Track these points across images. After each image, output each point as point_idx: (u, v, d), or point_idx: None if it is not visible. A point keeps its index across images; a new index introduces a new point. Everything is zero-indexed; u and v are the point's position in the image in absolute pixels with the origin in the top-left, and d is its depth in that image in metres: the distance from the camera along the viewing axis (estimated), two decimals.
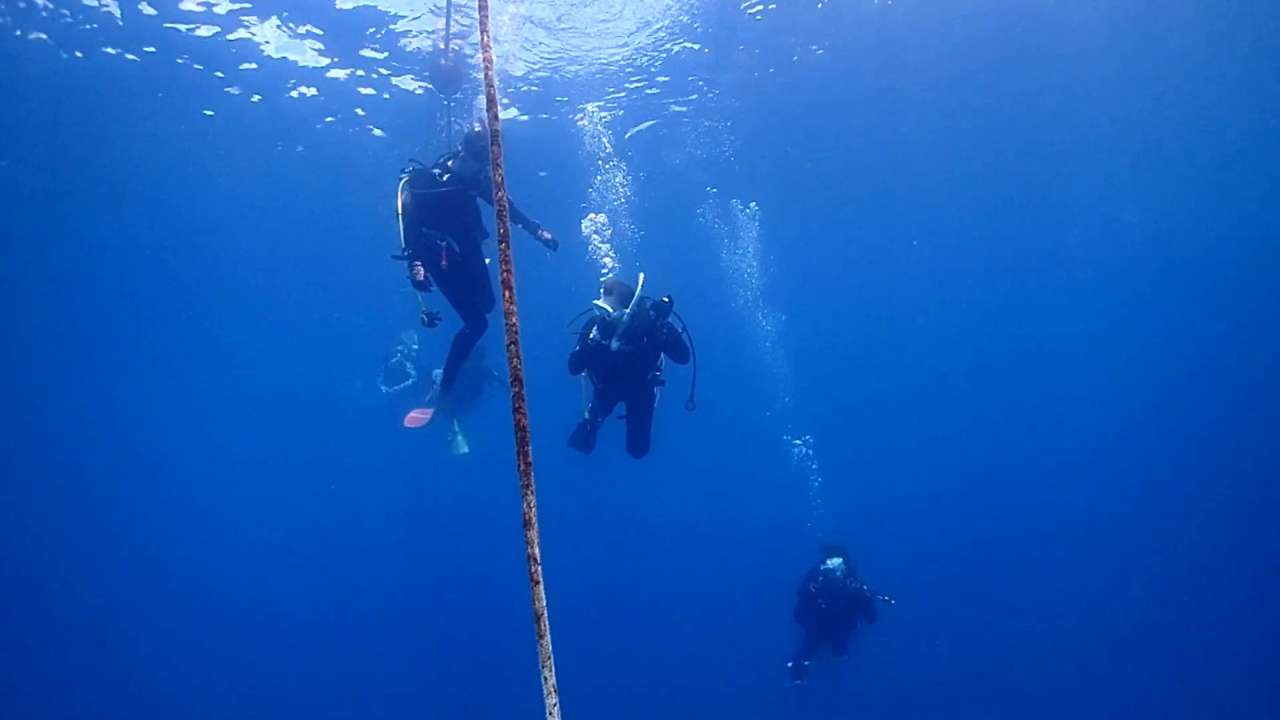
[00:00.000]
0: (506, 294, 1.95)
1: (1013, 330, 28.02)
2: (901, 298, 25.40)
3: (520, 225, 7.61)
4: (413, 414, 9.14)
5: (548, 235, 7.57)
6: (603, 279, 7.40)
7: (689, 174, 17.57)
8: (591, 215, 9.61)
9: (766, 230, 18.28)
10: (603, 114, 15.27)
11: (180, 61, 13.65)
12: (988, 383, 30.04)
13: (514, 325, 1.90)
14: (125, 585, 23.52)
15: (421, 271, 7.10)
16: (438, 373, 14.94)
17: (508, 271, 1.96)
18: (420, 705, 19.47)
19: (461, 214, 7.39)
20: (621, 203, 15.21)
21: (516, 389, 1.83)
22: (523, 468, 1.76)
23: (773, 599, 11.23)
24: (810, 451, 18.47)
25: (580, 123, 15.43)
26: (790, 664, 10.95)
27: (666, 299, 6.88)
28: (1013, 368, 29.44)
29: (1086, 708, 16.59)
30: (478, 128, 7.25)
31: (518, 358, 1.87)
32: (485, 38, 2.30)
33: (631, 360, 7.17)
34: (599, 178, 15.16)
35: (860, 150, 17.90)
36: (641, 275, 6.98)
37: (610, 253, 9.12)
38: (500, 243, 2.01)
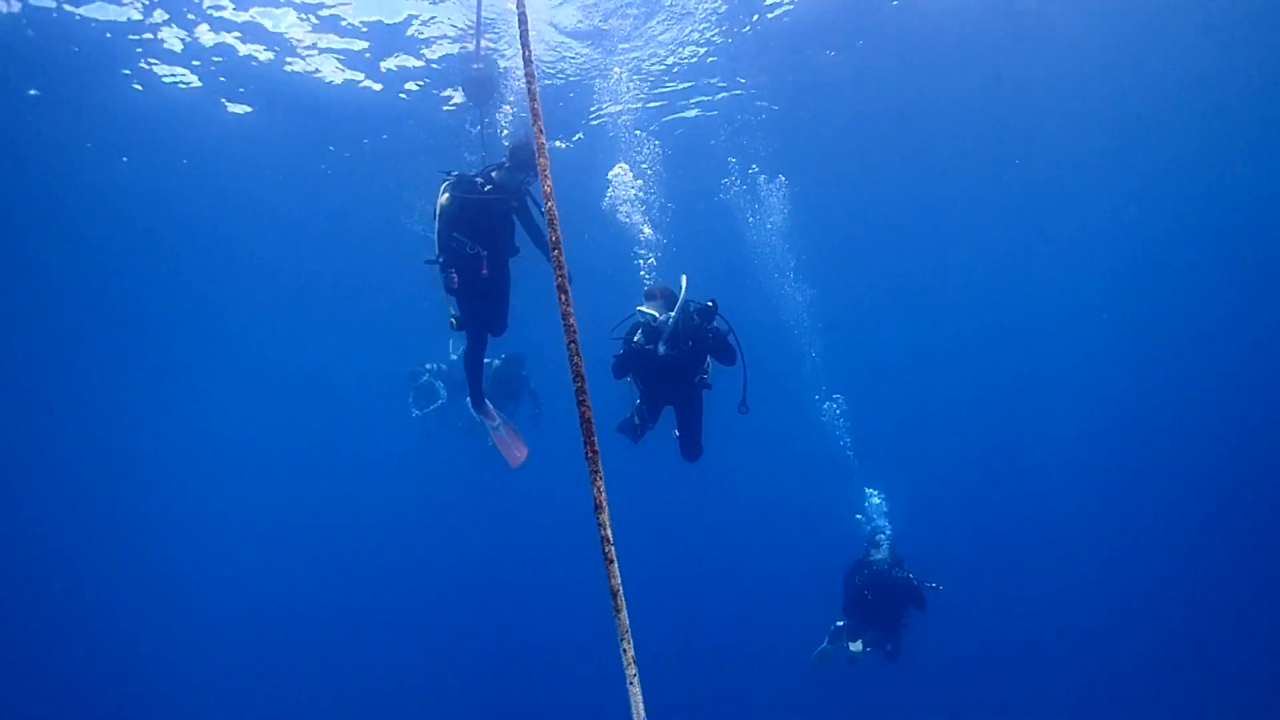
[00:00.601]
0: (563, 297, 2.06)
1: (1041, 312, 27.81)
2: (933, 275, 25.23)
3: (537, 243, 7.65)
4: (513, 453, 8.89)
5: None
6: (645, 286, 7.48)
7: (716, 148, 17.53)
8: (620, 165, 9.59)
9: (795, 204, 18.25)
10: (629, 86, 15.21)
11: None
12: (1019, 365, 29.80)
13: (572, 326, 2.02)
14: (127, 584, 23.76)
15: (455, 278, 7.18)
16: (468, 400, 15.09)
17: (562, 276, 2.07)
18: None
19: (497, 226, 7.42)
20: (648, 170, 15.35)
21: (579, 384, 1.95)
22: (590, 455, 1.88)
23: (819, 574, 11.25)
24: (840, 411, 18.51)
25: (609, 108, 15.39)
26: (847, 646, 10.91)
27: (711, 303, 6.92)
28: (1042, 354, 29.19)
29: (1100, 701, 16.25)
30: (525, 139, 7.29)
31: (578, 355, 1.98)
32: (526, 51, 2.43)
33: (677, 365, 7.20)
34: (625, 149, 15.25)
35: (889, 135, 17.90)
36: (684, 278, 7.01)
37: (637, 217, 9.09)
38: (554, 249, 2.13)
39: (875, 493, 15.84)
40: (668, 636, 19.24)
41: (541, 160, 2.27)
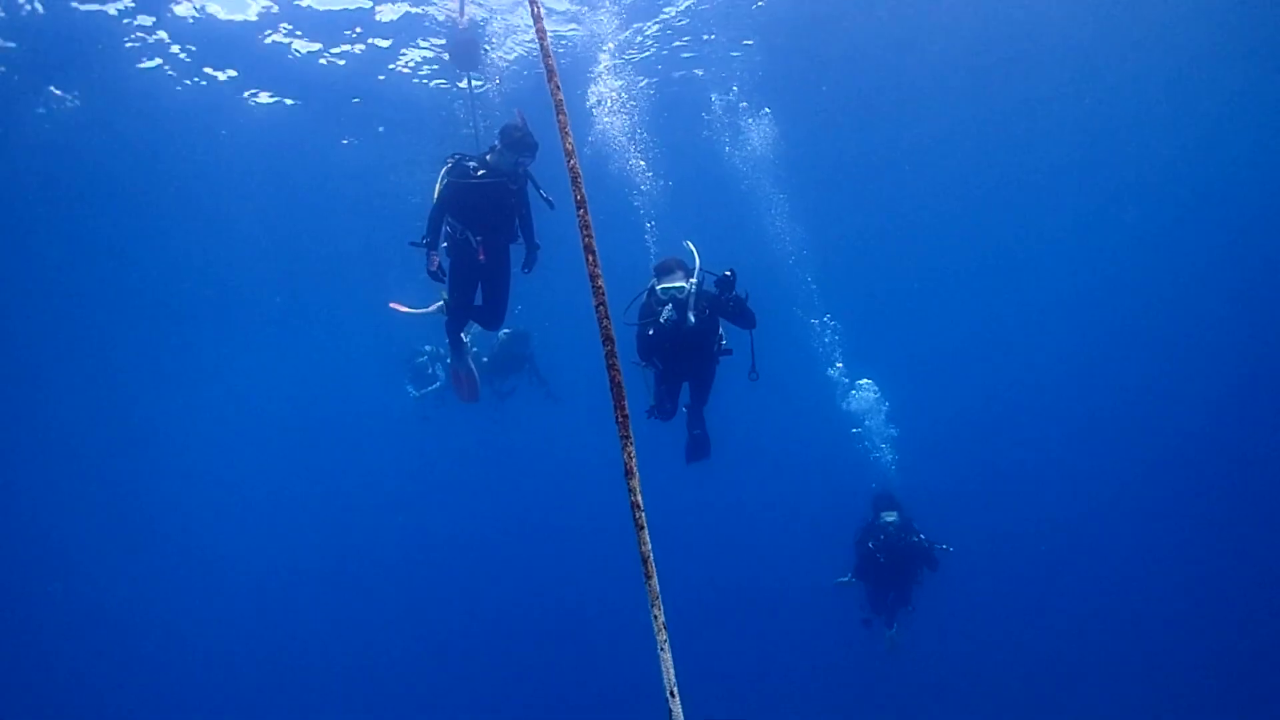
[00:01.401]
0: (590, 257, 2.02)
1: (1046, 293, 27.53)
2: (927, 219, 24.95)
3: (524, 230, 7.46)
4: (465, 389, 9.01)
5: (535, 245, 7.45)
6: (655, 263, 7.37)
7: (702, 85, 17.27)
8: (605, 79, 9.38)
9: (786, 141, 17.91)
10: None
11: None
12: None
13: (600, 287, 1.98)
14: (128, 586, 23.76)
15: (437, 261, 7.12)
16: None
17: (589, 236, 2.03)
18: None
19: (494, 211, 7.26)
20: (632, 104, 15.17)
21: (609, 347, 1.92)
22: (620, 420, 1.85)
23: (836, 551, 11.23)
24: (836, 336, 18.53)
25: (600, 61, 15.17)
26: (863, 619, 11.02)
27: (729, 273, 6.90)
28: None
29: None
30: (518, 119, 7.14)
31: (607, 318, 1.95)
32: (536, 8, 2.38)
33: (700, 334, 7.19)
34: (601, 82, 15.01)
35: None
36: (692, 246, 7.05)
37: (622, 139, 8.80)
38: (579, 209, 2.08)
39: (867, 383, 15.85)
40: (687, 606, 19.38)
41: (561, 117, 2.23)
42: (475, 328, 8.79)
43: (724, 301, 7.00)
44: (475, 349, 13.51)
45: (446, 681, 19.39)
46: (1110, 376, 28.14)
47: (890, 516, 10.19)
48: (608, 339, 1.91)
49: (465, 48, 12.19)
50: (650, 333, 7.18)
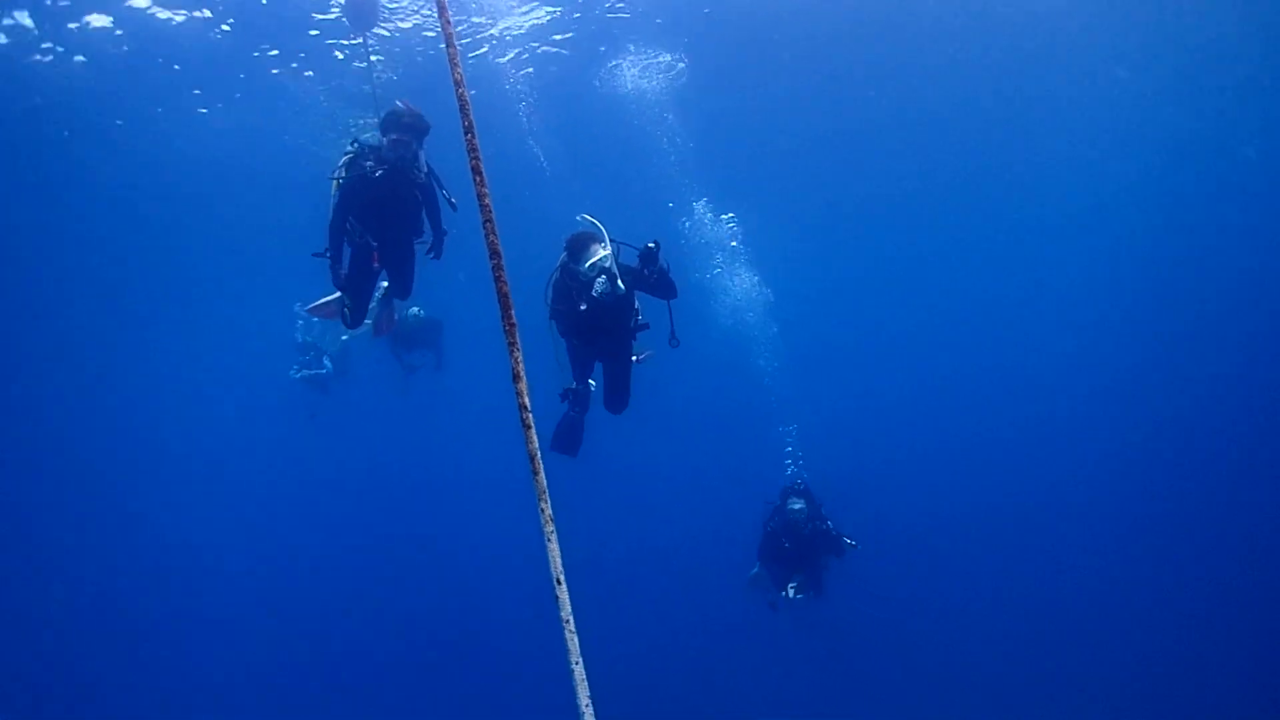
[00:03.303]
0: (477, 178, 2.06)
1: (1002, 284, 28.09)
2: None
3: (431, 219, 7.25)
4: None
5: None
6: (566, 239, 7.03)
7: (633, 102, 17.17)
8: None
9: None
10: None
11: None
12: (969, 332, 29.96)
13: (487, 205, 2.02)
14: (129, 582, 22.77)
15: (343, 274, 6.91)
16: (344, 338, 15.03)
17: (476, 159, 2.06)
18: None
19: (396, 209, 6.99)
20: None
21: (496, 260, 1.95)
22: (508, 328, 1.88)
23: (750, 540, 11.38)
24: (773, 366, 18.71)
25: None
26: (769, 601, 11.18)
27: (653, 244, 6.69)
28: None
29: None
30: (399, 106, 6.88)
31: (494, 234, 1.99)
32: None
33: (619, 310, 6.98)
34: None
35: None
36: (589, 218, 6.80)
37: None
38: (467, 134, 2.11)
39: (791, 429, 16.22)
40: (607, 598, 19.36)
41: (451, 49, 2.25)
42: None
43: (647, 274, 6.79)
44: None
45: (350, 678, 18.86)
46: (1079, 366, 28.02)
47: (796, 504, 10.30)
48: (495, 254, 1.95)
49: (360, 7, 11.86)
50: (583, 307, 6.85)
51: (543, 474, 1.78)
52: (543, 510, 1.75)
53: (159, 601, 21.78)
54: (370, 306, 8.53)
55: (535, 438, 1.79)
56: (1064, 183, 22.56)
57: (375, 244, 6.93)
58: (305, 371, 15.41)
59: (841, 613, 15.58)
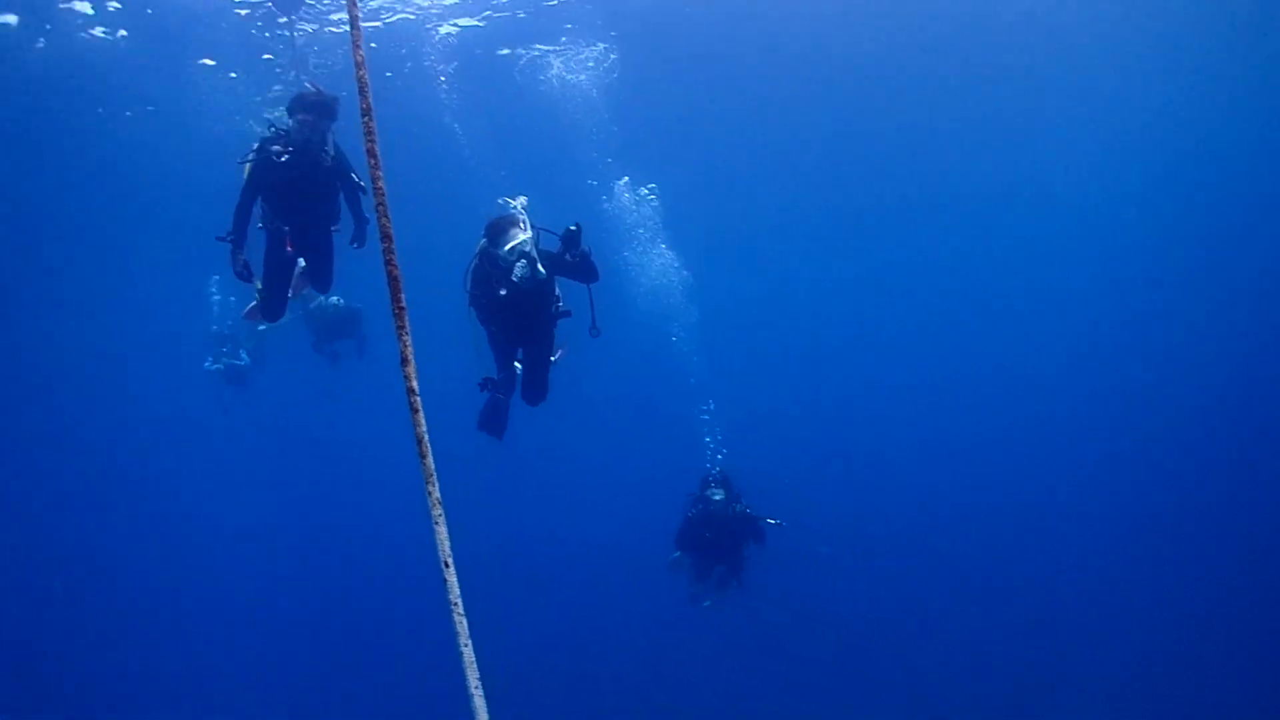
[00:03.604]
0: (372, 161, 2.04)
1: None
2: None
3: (350, 203, 7.14)
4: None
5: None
6: (487, 224, 6.87)
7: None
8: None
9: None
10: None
11: None
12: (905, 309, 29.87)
13: (380, 189, 2.01)
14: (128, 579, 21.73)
15: (243, 260, 6.74)
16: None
17: (372, 142, 2.04)
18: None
19: (308, 194, 6.83)
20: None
21: (387, 244, 1.94)
22: (397, 311, 1.87)
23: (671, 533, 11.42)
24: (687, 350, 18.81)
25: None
26: (690, 594, 11.31)
27: (574, 227, 6.53)
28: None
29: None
30: (308, 87, 6.79)
31: (386, 216, 1.98)
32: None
33: (539, 295, 6.86)
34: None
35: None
36: (510, 200, 6.75)
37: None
38: (364, 115, 2.08)
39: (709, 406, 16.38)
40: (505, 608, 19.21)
41: (355, 32, 2.23)
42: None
43: (569, 258, 6.64)
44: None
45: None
46: (1060, 364, 28.38)
47: (717, 494, 10.40)
48: (386, 237, 1.94)
49: None
50: (502, 293, 6.69)
51: (430, 458, 1.78)
52: (430, 493, 1.76)
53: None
54: (291, 300, 8.36)
55: (422, 421, 1.79)
56: (990, 144, 22.34)
57: (287, 228, 6.75)
58: (220, 364, 14.98)
59: (763, 608, 15.87)
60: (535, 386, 7.54)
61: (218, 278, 16.10)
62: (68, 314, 24.24)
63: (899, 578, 20.06)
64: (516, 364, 7.51)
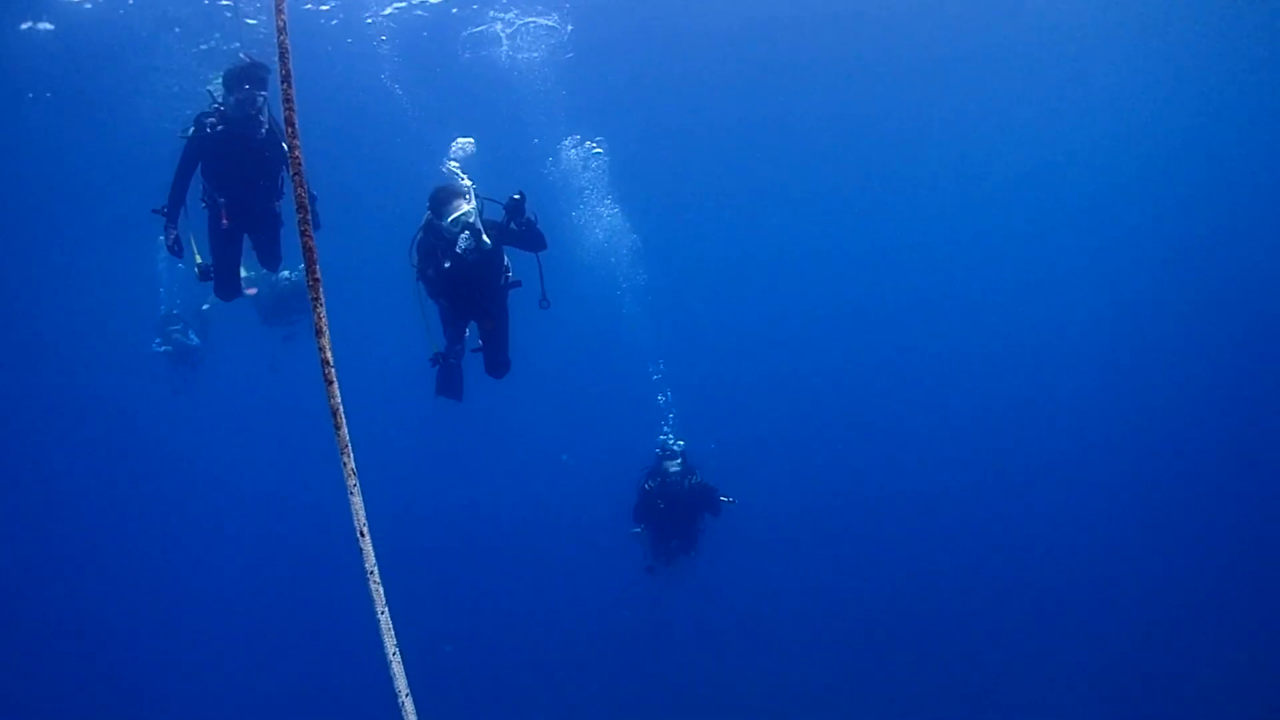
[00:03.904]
0: (290, 130, 2.01)
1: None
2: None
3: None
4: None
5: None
6: (430, 195, 6.76)
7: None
8: None
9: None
10: None
11: None
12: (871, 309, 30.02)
13: (298, 159, 1.98)
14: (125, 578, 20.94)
15: (174, 235, 6.58)
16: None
17: (290, 110, 2.01)
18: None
19: (244, 166, 6.67)
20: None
21: (302, 214, 1.92)
22: (311, 283, 1.86)
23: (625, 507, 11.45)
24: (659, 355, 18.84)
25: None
26: (646, 566, 11.40)
27: (518, 195, 6.46)
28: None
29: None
30: (242, 58, 6.60)
31: (301, 186, 1.95)
32: None
33: (486, 266, 6.76)
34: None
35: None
36: (453, 167, 6.73)
37: None
38: (283, 82, 2.05)
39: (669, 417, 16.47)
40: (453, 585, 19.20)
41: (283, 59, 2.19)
42: None
43: (514, 228, 6.59)
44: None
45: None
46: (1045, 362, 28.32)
47: (674, 466, 10.49)
48: (301, 207, 1.93)
49: None
50: (447, 265, 6.60)
51: (345, 429, 1.78)
52: (345, 464, 1.76)
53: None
54: (246, 276, 8.20)
55: (337, 393, 1.79)
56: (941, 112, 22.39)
57: (223, 200, 6.63)
58: (169, 345, 14.61)
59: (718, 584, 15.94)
60: (497, 360, 7.45)
61: (164, 257, 15.73)
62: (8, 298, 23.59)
63: (832, 553, 20.24)
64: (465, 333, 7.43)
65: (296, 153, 1.98)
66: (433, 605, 16.61)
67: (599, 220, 18.74)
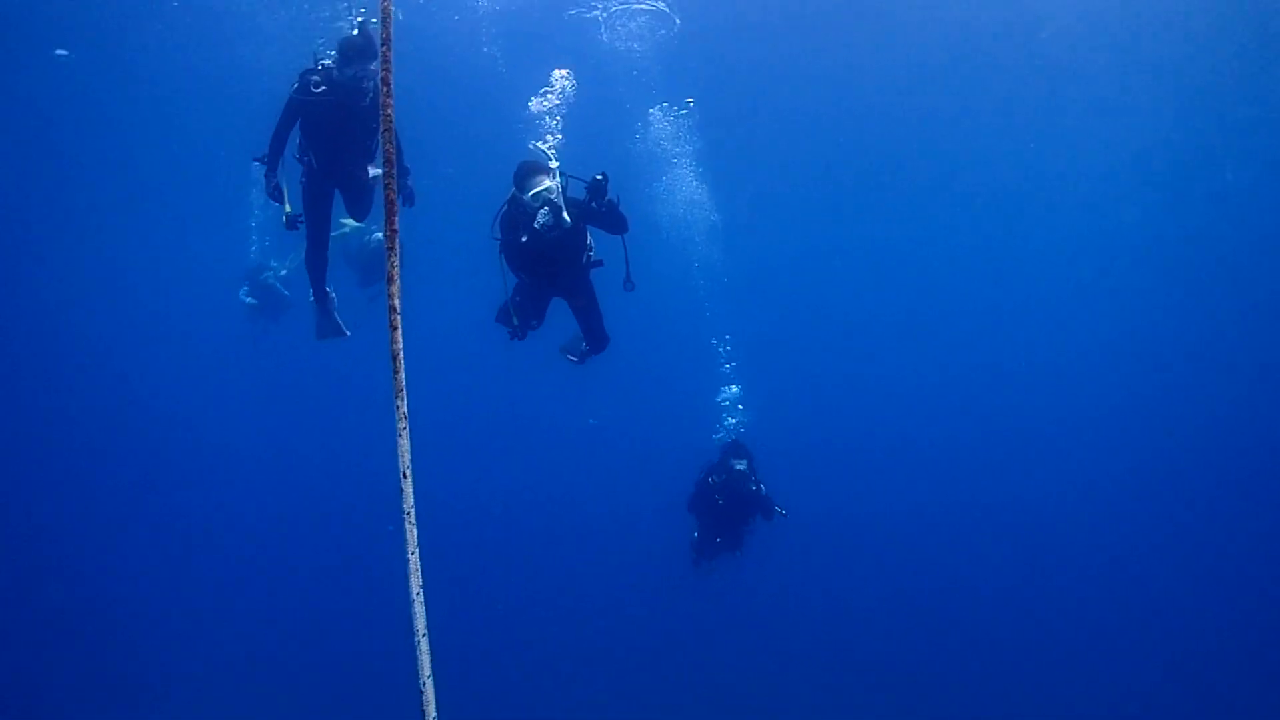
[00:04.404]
0: (385, 89, 2.11)
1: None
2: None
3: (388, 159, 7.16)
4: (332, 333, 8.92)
5: (409, 185, 7.32)
6: (515, 170, 6.80)
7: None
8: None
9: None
10: None
11: None
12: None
13: (389, 115, 2.09)
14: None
15: (274, 182, 6.84)
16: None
17: (387, 70, 2.12)
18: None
19: (339, 132, 6.86)
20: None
21: (389, 169, 2.03)
22: (389, 233, 1.96)
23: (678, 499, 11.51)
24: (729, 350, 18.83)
25: None
26: (693, 559, 11.45)
27: (601, 176, 6.43)
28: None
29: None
30: (356, 31, 6.70)
31: (390, 143, 2.07)
32: None
33: (568, 244, 6.79)
34: None
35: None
36: (539, 146, 6.75)
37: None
38: (383, 45, 2.16)
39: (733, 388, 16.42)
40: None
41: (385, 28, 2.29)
42: None
43: (595, 207, 6.57)
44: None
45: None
46: (1060, 357, 28.29)
47: (740, 464, 10.46)
48: (388, 161, 2.04)
49: None
50: (524, 239, 6.66)
51: (403, 373, 1.87)
52: (398, 407, 1.85)
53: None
54: (332, 235, 8.50)
55: (399, 339, 1.88)
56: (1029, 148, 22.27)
57: (315, 158, 6.88)
58: (255, 297, 14.93)
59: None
60: (594, 335, 7.57)
61: (258, 211, 16.19)
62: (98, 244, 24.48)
63: (895, 562, 20.17)
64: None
65: (389, 110, 2.08)
66: (466, 579, 16.99)
67: (680, 194, 18.74)
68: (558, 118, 7.03)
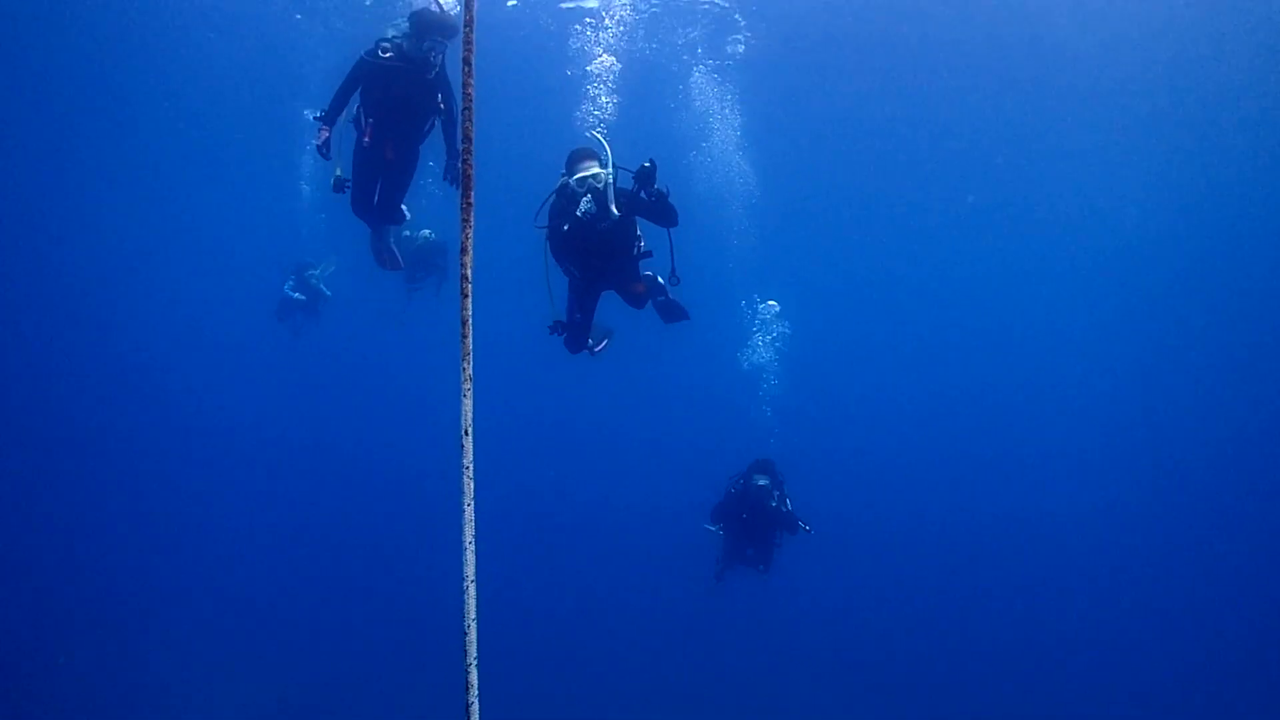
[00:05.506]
0: (465, 69, 2.20)
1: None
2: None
3: (445, 130, 7.29)
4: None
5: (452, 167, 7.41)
6: (567, 156, 6.73)
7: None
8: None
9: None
10: None
11: None
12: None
13: (470, 95, 2.18)
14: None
15: (325, 136, 6.98)
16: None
17: (469, 50, 2.20)
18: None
19: (400, 102, 7.00)
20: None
21: (467, 145, 2.11)
22: (464, 205, 2.04)
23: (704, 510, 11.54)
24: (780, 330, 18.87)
25: None
26: (716, 573, 11.46)
27: (648, 164, 6.22)
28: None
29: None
30: (435, 9, 6.88)
31: (470, 120, 2.15)
32: None
33: (617, 234, 6.64)
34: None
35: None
36: (597, 135, 6.64)
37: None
38: (466, 27, 2.25)
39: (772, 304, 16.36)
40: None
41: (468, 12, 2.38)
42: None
43: (643, 198, 6.36)
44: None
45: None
46: (1080, 370, 28.59)
47: (762, 480, 10.51)
48: (467, 139, 2.12)
49: None
50: (566, 228, 6.51)
51: (470, 338, 1.96)
52: (464, 370, 1.93)
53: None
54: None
55: (469, 306, 1.96)
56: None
57: (371, 121, 7.02)
58: (301, 292, 15.47)
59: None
60: (670, 312, 7.61)
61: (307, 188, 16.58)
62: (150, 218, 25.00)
63: (912, 572, 20.14)
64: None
65: (470, 89, 2.17)
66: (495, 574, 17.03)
67: (719, 164, 18.94)
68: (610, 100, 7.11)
